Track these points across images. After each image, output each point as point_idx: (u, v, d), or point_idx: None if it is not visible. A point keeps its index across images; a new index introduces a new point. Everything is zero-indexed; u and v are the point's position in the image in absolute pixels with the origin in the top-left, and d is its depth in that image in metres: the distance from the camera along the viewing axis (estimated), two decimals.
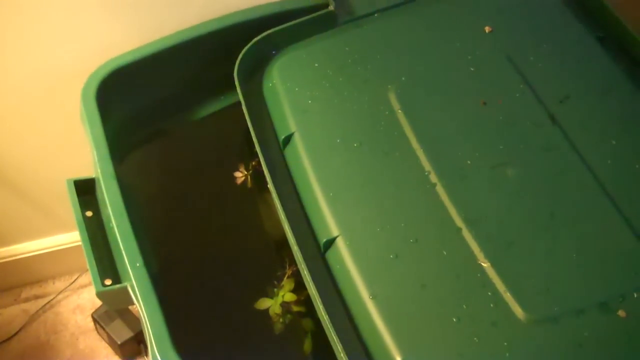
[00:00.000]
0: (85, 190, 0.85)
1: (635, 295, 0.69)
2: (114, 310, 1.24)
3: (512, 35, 0.90)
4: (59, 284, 1.34)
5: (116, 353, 1.26)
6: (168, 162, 1.03)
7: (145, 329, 0.72)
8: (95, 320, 1.25)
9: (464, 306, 0.69)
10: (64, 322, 1.29)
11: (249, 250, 0.98)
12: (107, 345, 1.28)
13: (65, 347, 1.27)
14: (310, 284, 0.71)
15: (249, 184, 0.98)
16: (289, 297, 0.87)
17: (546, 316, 0.68)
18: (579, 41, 0.90)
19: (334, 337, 0.67)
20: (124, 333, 1.22)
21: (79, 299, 1.33)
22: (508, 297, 0.69)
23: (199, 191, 1.02)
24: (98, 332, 1.28)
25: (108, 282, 0.79)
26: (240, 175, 0.98)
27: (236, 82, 0.88)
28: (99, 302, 1.26)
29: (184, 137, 1.02)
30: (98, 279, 0.78)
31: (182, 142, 1.03)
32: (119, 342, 1.22)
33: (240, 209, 1.02)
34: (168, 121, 0.99)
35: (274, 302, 0.88)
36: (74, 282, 1.34)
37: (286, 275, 0.90)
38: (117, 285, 0.77)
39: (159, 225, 0.96)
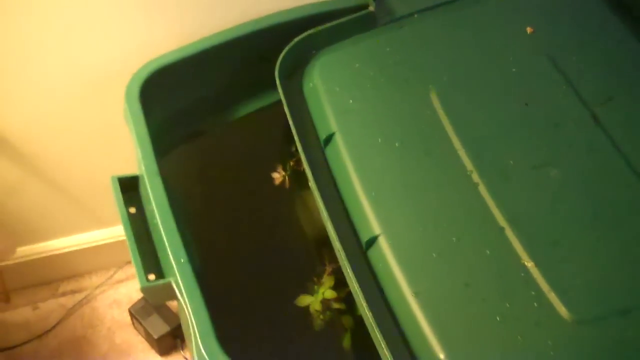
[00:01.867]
0: (128, 187, 0.87)
1: None
2: (150, 305, 1.25)
3: (554, 36, 0.90)
4: (96, 279, 1.36)
5: (152, 348, 1.28)
6: (207, 161, 1.04)
7: (190, 324, 0.73)
8: (132, 315, 1.27)
9: (507, 305, 0.69)
10: (100, 317, 1.31)
11: (288, 249, 0.99)
12: (143, 340, 1.29)
13: (101, 342, 1.29)
14: (353, 280, 0.72)
15: (287, 185, 0.98)
16: (329, 294, 0.88)
17: (591, 316, 0.68)
18: (622, 42, 0.89)
19: (377, 334, 0.68)
20: (160, 328, 1.24)
21: (116, 294, 1.35)
22: (552, 296, 0.69)
23: (237, 191, 1.03)
24: (135, 327, 1.30)
25: (152, 277, 0.80)
26: (278, 176, 0.99)
27: (277, 82, 0.89)
28: (135, 297, 1.28)
29: (223, 136, 1.03)
30: (143, 273, 0.79)
31: (220, 142, 1.04)
32: (155, 337, 1.23)
33: (278, 209, 1.03)
34: (208, 120, 1.00)
35: (315, 299, 0.89)
36: (111, 277, 1.35)
37: (326, 273, 0.90)
38: (162, 281, 0.79)
39: (200, 223, 0.97)
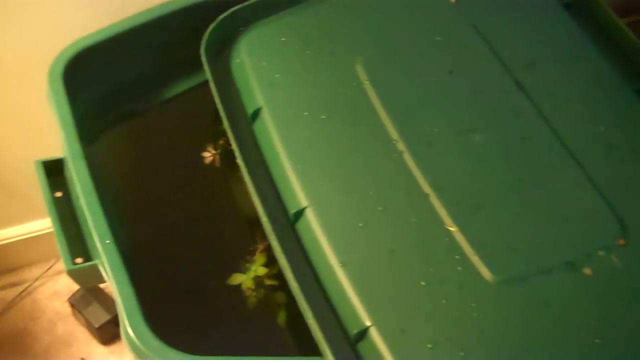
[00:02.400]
0: (54, 171, 0.85)
1: (601, 253, 0.70)
2: (90, 294, 1.24)
3: (478, 4, 0.90)
4: (36, 271, 1.34)
5: (94, 337, 1.26)
6: (138, 142, 1.02)
7: (118, 305, 0.72)
8: (72, 305, 1.25)
9: (432, 270, 0.70)
10: (41, 309, 1.29)
11: (221, 228, 0.98)
12: (85, 329, 1.28)
13: (43, 334, 1.27)
14: (280, 254, 0.71)
15: (217, 163, 0.97)
16: (261, 270, 0.87)
17: (513, 276, 0.69)
18: (545, 8, 0.90)
19: (306, 307, 0.67)
20: (101, 316, 1.22)
21: (56, 285, 1.33)
22: (475, 259, 0.70)
23: (169, 171, 1.02)
24: (75, 317, 1.28)
25: (79, 260, 0.78)
26: (208, 154, 0.98)
27: (203, 60, 0.88)
28: (75, 287, 1.26)
29: (154, 117, 1.01)
30: (69, 257, 0.78)
31: (151, 123, 1.02)
32: (96, 326, 1.22)
33: (210, 188, 1.02)
34: (137, 102, 0.99)
35: (247, 277, 0.88)
36: (50, 268, 1.33)
37: (258, 250, 0.90)
38: (88, 263, 0.77)
39: (131, 205, 0.96)
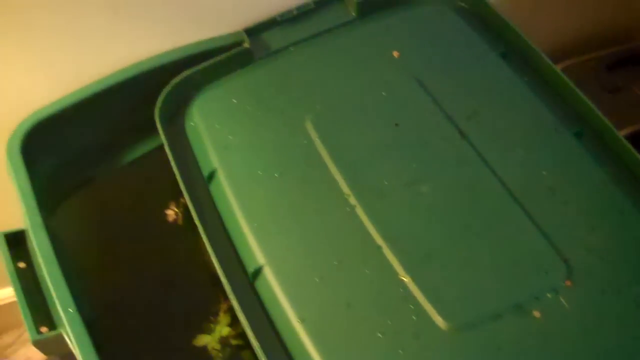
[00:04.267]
0: (17, 242, 0.86)
1: (549, 296, 0.72)
2: None
3: (420, 59, 0.94)
4: (7, 338, 1.34)
5: None
6: (100, 206, 1.04)
7: None
8: None
9: (388, 321, 0.72)
10: None
11: (186, 287, 0.99)
12: None
13: None
14: (241, 314, 0.73)
15: (180, 221, 0.99)
16: (226, 331, 0.89)
17: (465, 323, 0.71)
18: (483, 58, 0.94)
19: None
20: None
21: (28, 351, 1.32)
22: (428, 307, 0.72)
23: (132, 234, 1.04)
24: None
25: (44, 330, 0.80)
26: (171, 212, 1.00)
27: (158, 125, 0.90)
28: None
29: (115, 181, 1.03)
30: (33, 327, 0.79)
31: (113, 187, 1.04)
32: None
33: (174, 247, 1.03)
34: (96, 168, 1.01)
35: (212, 338, 0.89)
36: (22, 335, 1.33)
37: (222, 310, 0.91)
38: (52, 332, 0.79)
39: (96, 270, 0.97)
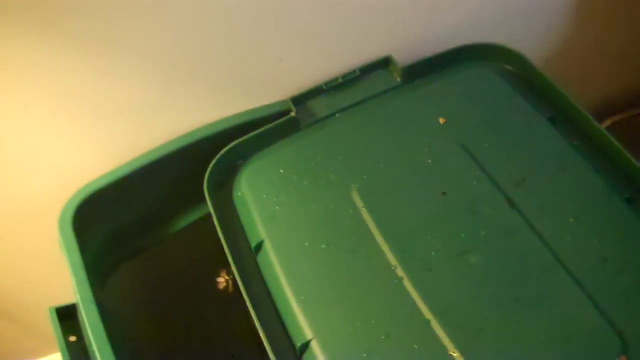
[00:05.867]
0: (68, 315, 0.88)
1: None
2: None
3: (466, 124, 0.94)
4: None
5: None
6: (150, 275, 1.05)
7: None
8: None
9: None
10: None
11: (235, 356, 0.99)
12: None
13: None
14: None
15: (230, 288, 1.00)
16: None
17: None
18: (530, 123, 0.93)
19: None
20: None
21: None
22: None
23: (183, 302, 1.04)
24: None
25: None
26: (222, 280, 1.01)
27: (206, 194, 0.91)
28: None
29: (165, 251, 1.05)
30: None
31: (163, 256, 1.05)
32: None
33: (224, 314, 1.04)
34: (146, 238, 1.02)
35: None
36: None
37: None
38: None
39: (146, 340, 0.98)
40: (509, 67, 1.02)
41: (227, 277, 1.02)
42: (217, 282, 1.01)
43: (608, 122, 1.27)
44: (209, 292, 1.03)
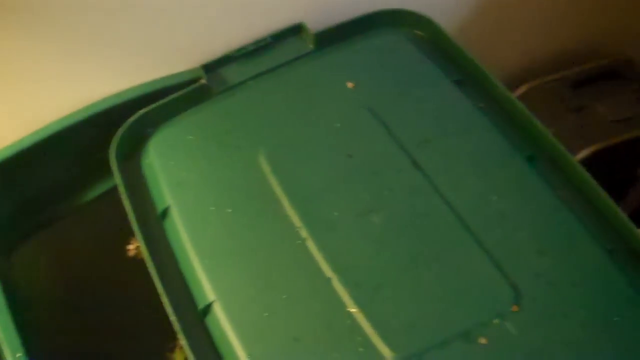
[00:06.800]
0: None
1: (495, 322, 0.72)
2: None
3: (374, 89, 0.94)
4: None
5: None
6: (60, 247, 1.04)
7: None
8: None
9: (335, 354, 0.71)
10: None
11: (146, 323, 0.98)
12: None
13: None
14: (189, 351, 0.73)
15: (139, 255, 0.99)
16: None
17: (412, 353, 0.70)
18: (437, 86, 0.94)
19: None
20: None
21: None
22: (376, 339, 0.71)
23: (92, 269, 1.03)
24: None
25: None
26: (131, 247, 1.00)
27: (112, 162, 0.91)
28: None
29: (75, 223, 1.03)
30: None
31: (73, 228, 1.04)
32: None
33: (134, 281, 1.03)
34: (55, 209, 1.00)
35: None
36: None
37: (178, 346, 0.91)
38: None
39: (54, 310, 0.96)
40: (419, 33, 1.03)
41: (137, 244, 1.01)
42: (127, 250, 1.00)
43: (524, 87, 1.29)
44: (121, 260, 1.01)
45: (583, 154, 1.22)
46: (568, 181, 0.84)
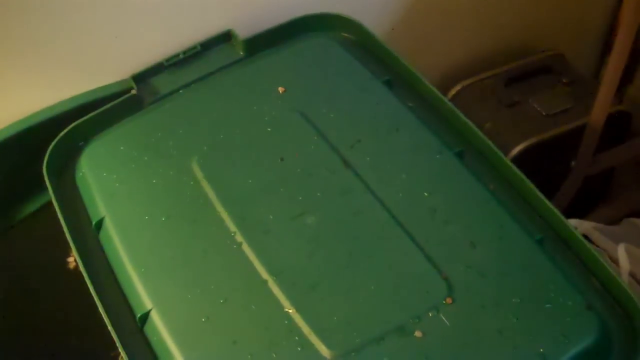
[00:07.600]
0: None
1: (430, 314, 0.73)
2: None
3: (304, 92, 0.95)
4: None
5: None
6: (2, 265, 1.02)
7: None
8: None
9: (274, 355, 0.72)
10: None
11: (87, 336, 0.98)
12: None
13: None
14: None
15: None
16: None
17: (348, 350, 0.71)
18: (367, 87, 0.95)
19: None
20: None
21: None
22: (313, 338, 0.72)
23: (34, 283, 1.02)
24: None
25: None
26: (71, 260, 0.99)
27: (45, 177, 0.90)
28: None
29: (11, 241, 1.02)
30: None
31: (10, 246, 1.02)
32: None
33: (74, 293, 1.02)
34: None
35: None
36: None
37: (120, 357, 0.90)
38: None
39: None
40: (348, 36, 1.05)
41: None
42: (67, 263, 0.99)
43: (458, 86, 1.32)
44: (64, 273, 1.00)
45: (519, 148, 1.26)
46: (497, 175, 0.86)
